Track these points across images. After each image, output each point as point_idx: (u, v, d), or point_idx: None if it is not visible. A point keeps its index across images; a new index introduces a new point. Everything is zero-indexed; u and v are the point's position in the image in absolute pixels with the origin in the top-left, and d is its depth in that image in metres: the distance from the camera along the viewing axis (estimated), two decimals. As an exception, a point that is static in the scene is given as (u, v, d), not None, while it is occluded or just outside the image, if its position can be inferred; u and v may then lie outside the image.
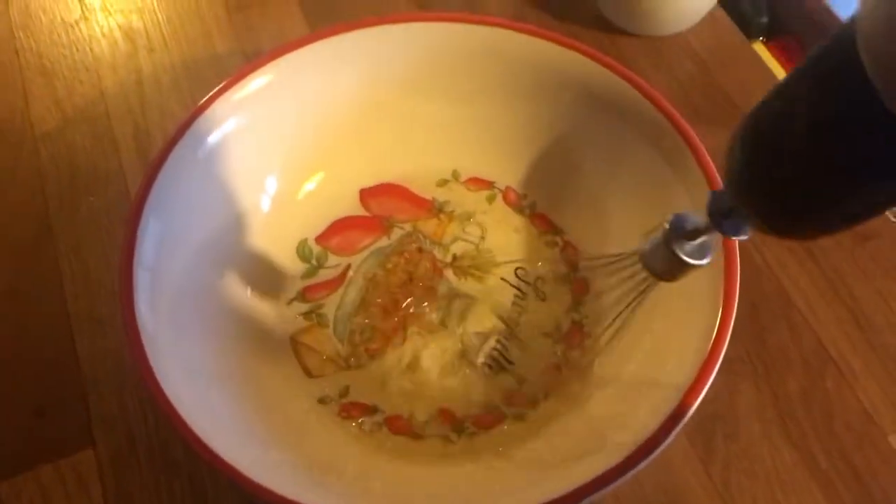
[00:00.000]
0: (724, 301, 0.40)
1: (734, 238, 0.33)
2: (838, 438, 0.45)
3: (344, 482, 0.41)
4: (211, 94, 0.45)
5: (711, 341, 0.39)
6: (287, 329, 0.48)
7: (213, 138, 0.45)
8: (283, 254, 0.51)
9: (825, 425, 0.46)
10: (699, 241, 0.35)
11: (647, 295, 0.40)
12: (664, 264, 0.36)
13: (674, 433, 0.36)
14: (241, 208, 0.48)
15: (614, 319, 0.44)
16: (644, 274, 0.38)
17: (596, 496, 0.35)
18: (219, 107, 0.45)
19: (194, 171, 0.44)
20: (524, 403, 0.46)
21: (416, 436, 0.45)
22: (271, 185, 0.50)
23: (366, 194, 0.53)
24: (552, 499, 0.35)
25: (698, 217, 0.35)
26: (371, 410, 0.46)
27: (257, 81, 0.46)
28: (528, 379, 0.47)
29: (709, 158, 0.44)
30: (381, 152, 0.53)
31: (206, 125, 0.44)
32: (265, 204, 0.50)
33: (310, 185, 0.52)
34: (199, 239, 0.45)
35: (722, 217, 0.33)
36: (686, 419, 0.37)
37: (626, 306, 0.41)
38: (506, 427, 0.45)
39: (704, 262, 0.36)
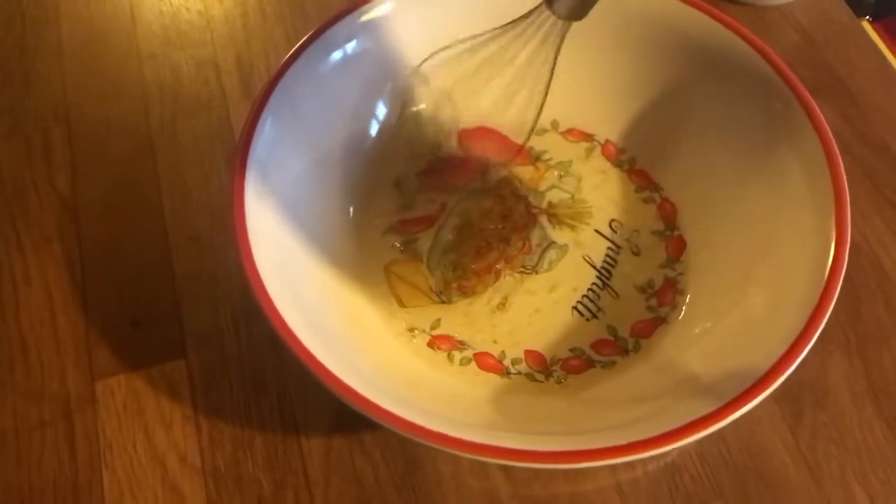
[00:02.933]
0: (830, 270, 0.40)
1: None
2: (932, 417, 0.45)
3: (439, 402, 0.41)
4: (338, 11, 0.46)
5: (811, 311, 0.38)
6: (383, 258, 0.48)
7: (335, 56, 0.46)
8: (383, 184, 0.51)
9: (919, 403, 0.45)
10: None
11: (559, 47, 0.40)
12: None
13: (763, 395, 0.36)
14: (353, 131, 0.49)
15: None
16: (551, 21, 0.38)
17: (681, 443, 0.35)
18: (344, 26, 0.45)
19: (315, 85, 0.45)
20: (614, 352, 0.46)
21: (505, 373, 0.45)
22: (381, 111, 0.50)
23: (465, 135, 0.53)
24: (640, 440, 0.35)
25: None
26: (460, 345, 0.46)
27: (383, 7, 0.47)
28: (618, 329, 0.46)
29: (823, 119, 0.43)
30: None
31: (330, 42, 0.45)
32: (373, 129, 0.50)
33: (411, 117, 0.52)
34: (309, 152, 0.46)
35: None
36: (778, 383, 0.36)
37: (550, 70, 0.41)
38: (594, 371, 0.45)
39: None
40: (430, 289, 0.48)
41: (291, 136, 0.44)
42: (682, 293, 0.47)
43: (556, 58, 0.41)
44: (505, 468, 0.43)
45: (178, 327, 0.48)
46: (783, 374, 0.37)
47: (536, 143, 0.53)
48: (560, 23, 0.39)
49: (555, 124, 0.54)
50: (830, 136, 0.43)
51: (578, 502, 0.42)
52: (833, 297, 0.38)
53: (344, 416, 0.45)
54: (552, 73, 0.42)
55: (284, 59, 0.45)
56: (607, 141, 0.53)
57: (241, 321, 0.48)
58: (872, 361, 0.46)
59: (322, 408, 0.45)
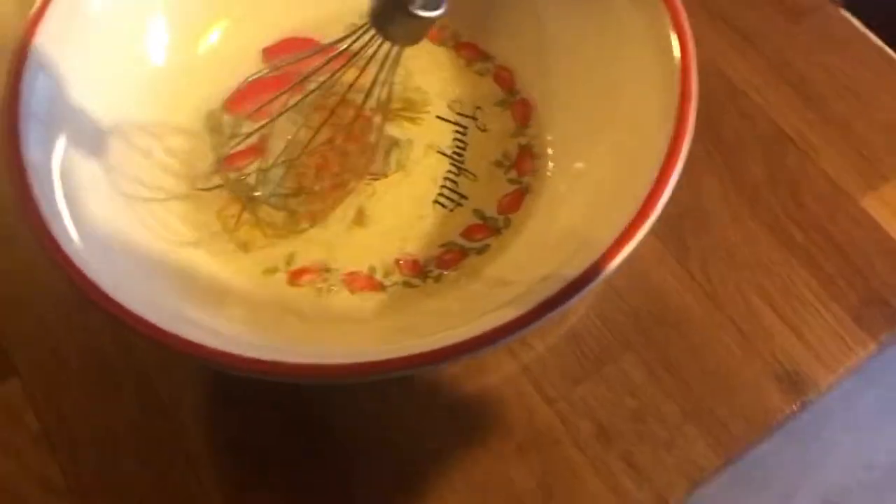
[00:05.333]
0: (681, 91, 0.37)
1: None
2: (810, 211, 0.44)
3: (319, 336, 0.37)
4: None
5: (671, 135, 0.36)
6: (211, 205, 0.43)
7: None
8: (191, 125, 0.45)
9: (794, 201, 0.44)
10: None
11: (395, 67, 0.38)
12: (400, 26, 0.35)
13: (641, 232, 0.34)
14: (138, 67, 0.43)
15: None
16: (384, 44, 0.37)
17: (568, 306, 0.32)
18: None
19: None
20: (486, 235, 0.42)
21: (379, 287, 0.41)
22: (163, 37, 0.44)
23: (270, 53, 0.48)
24: (523, 313, 0.32)
25: None
26: (324, 271, 0.41)
27: None
28: (485, 210, 0.43)
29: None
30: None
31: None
32: (158, 59, 0.44)
33: (205, 45, 0.46)
34: (95, 101, 0.40)
35: None
36: (653, 217, 0.34)
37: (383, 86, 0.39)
38: (470, 260, 0.41)
39: (440, 12, 0.34)
40: (275, 223, 0.43)
41: (72, 85, 0.38)
42: (540, 157, 0.44)
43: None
44: (402, 384, 0.40)
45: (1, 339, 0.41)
46: (657, 205, 0.34)
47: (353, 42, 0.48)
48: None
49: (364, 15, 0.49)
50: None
51: (490, 396, 0.39)
52: (689, 116, 0.36)
53: (219, 385, 0.40)
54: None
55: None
56: (424, 20, 0.48)
57: (74, 314, 0.42)
58: (740, 173, 0.45)
59: (189, 381, 0.40)
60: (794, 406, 0.39)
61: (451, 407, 0.39)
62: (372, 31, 0.37)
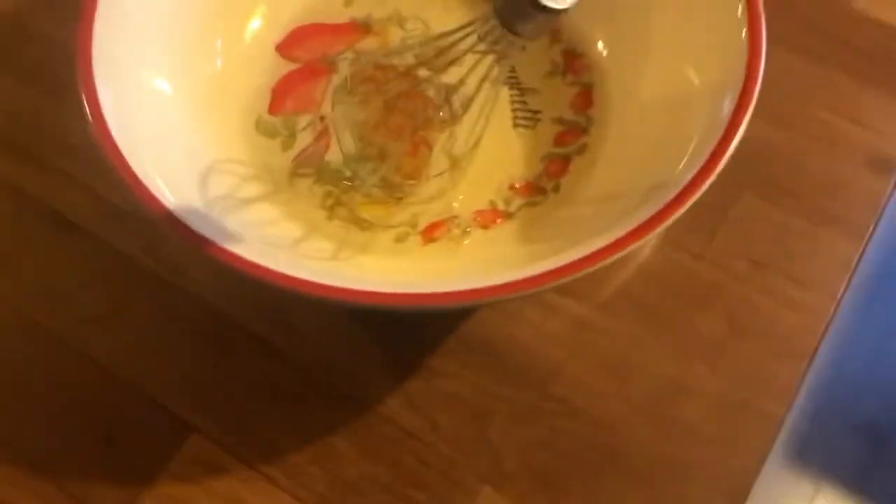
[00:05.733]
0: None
1: None
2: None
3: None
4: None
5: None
6: (306, 201, 0.42)
7: None
8: (248, 136, 0.44)
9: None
10: None
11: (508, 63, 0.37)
12: (527, 20, 0.33)
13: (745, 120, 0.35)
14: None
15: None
16: (502, 37, 0.35)
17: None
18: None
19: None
20: (576, 136, 0.44)
21: (508, 217, 0.42)
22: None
23: (284, 48, 0.47)
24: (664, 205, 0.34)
25: None
26: (453, 217, 0.42)
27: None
28: (563, 116, 0.45)
29: None
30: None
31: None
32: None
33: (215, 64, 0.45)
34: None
35: None
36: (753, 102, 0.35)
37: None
38: (575, 164, 0.43)
39: (569, 4, 0.33)
40: (380, 197, 0.43)
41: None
42: (586, 55, 0.46)
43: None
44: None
45: None
46: (754, 90, 0.36)
47: (355, 12, 0.48)
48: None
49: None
50: None
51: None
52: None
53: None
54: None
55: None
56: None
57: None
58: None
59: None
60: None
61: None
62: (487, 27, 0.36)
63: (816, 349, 0.39)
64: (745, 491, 0.37)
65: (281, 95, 0.46)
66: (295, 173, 0.44)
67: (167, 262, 0.42)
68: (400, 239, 0.42)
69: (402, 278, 0.39)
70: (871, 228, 0.42)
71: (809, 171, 0.44)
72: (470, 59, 0.46)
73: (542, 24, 0.35)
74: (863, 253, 0.42)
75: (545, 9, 0.32)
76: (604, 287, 0.42)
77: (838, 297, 0.41)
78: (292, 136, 0.45)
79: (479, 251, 0.41)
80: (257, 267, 0.33)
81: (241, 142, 0.44)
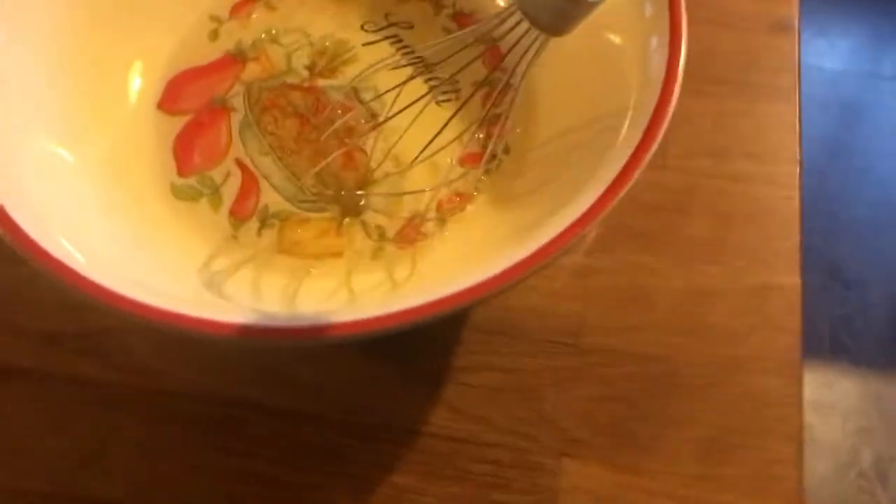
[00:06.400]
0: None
1: None
2: None
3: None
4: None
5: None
6: (259, 248, 0.39)
7: None
8: (166, 207, 0.40)
9: None
10: None
11: (536, 60, 0.33)
12: (551, 9, 0.29)
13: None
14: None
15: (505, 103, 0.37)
16: (529, 30, 0.31)
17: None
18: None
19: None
20: (502, 95, 0.43)
21: (470, 198, 0.40)
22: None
23: (166, 105, 0.43)
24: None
25: None
26: (422, 218, 0.40)
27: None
28: (478, 79, 0.43)
29: None
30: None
31: None
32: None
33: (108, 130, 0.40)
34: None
35: None
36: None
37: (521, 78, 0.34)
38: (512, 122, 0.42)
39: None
40: (334, 217, 0.40)
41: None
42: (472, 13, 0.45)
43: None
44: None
45: None
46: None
47: (225, 43, 0.45)
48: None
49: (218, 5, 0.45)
50: None
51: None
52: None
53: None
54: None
55: None
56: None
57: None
58: None
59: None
60: None
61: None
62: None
63: (801, 212, 0.40)
64: (798, 367, 0.37)
65: (185, 154, 0.42)
66: (233, 226, 0.40)
67: (130, 369, 0.37)
68: (376, 256, 0.39)
69: (402, 291, 0.36)
70: (797, 87, 0.44)
71: (725, 54, 0.45)
72: (362, 54, 0.44)
73: (575, 16, 0.30)
74: (800, 112, 0.43)
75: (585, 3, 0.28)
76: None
77: (798, 158, 0.42)
78: (215, 192, 0.41)
79: (461, 239, 0.39)
80: (267, 329, 0.29)
81: (165, 213, 0.40)
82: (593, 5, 0.29)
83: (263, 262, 0.39)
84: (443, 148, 0.39)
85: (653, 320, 0.38)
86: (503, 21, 0.33)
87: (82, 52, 0.39)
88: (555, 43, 0.34)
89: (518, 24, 0.31)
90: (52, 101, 0.38)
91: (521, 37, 0.32)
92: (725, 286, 0.39)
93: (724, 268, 0.39)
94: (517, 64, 0.35)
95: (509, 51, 0.34)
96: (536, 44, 0.32)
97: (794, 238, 0.40)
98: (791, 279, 0.39)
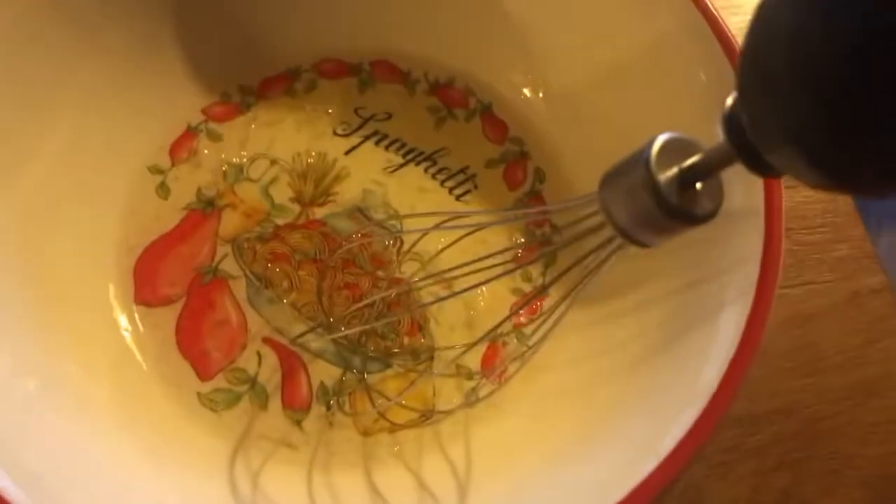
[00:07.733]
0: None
1: (763, 175, 0.20)
2: None
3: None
4: None
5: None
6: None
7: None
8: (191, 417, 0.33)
9: None
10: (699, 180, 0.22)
11: (607, 263, 0.25)
12: (642, 217, 0.22)
13: None
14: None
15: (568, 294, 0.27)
16: (607, 230, 0.24)
17: None
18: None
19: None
20: (522, 161, 0.38)
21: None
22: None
23: (142, 297, 0.35)
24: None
25: (699, 142, 0.22)
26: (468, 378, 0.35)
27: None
28: (492, 157, 0.39)
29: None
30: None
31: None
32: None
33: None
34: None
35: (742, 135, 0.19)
36: None
37: (584, 277, 0.26)
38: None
39: (709, 212, 0.22)
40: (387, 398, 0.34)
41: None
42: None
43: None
44: None
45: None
46: None
47: (183, 197, 0.37)
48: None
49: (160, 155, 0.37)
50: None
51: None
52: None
53: None
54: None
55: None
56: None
57: None
58: None
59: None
60: None
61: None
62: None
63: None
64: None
65: (197, 353, 0.34)
66: (296, 426, 0.33)
67: None
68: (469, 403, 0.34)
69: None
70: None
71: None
72: (352, 164, 0.38)
73: (677, 232, 0.23)
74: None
75: (692, 218, 0.22)
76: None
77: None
78: (252, 386, 0.34)
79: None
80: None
81: (190, 424, 0.32)
82: (700, 221, 0.22)
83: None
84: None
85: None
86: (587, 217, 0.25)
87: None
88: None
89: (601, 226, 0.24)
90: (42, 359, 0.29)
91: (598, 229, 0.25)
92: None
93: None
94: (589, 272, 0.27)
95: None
96: (613, 245, 0.24)
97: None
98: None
